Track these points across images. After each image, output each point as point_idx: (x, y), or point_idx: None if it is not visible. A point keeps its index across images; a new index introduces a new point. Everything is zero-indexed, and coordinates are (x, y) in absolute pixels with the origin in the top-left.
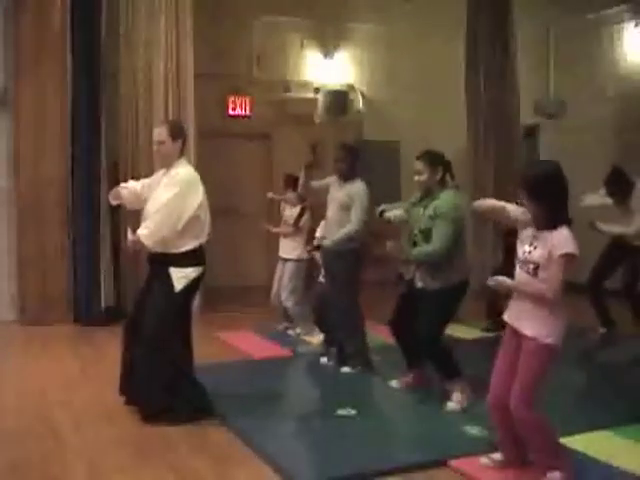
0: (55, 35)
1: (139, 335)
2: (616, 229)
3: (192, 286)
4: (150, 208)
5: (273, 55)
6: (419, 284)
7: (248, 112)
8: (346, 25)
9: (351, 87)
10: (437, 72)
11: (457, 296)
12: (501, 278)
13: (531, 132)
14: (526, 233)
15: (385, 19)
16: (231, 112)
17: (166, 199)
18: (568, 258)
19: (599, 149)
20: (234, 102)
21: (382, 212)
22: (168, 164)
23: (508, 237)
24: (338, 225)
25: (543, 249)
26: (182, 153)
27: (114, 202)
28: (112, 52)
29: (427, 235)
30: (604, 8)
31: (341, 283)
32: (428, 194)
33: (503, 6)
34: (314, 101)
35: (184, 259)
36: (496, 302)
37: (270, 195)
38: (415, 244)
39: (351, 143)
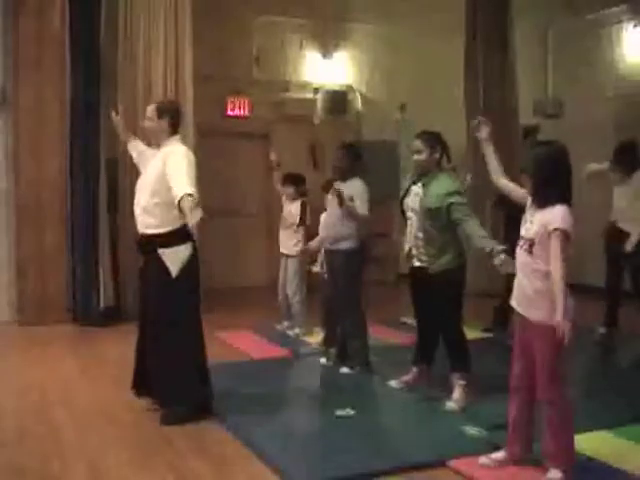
0: (55, 35)
1: (148, 331)
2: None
3: (190, 269)
4: (149, 179)
5: (272, 55)
6: (430, 271)
7: (247, 112)
8: (345, 25)
9: (350, 87)
10: (436, 72)
11: (464, 273)
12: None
13: (531, 132)
14: (527, 212)
15: (384, 19)
16: (230, 112)
17: (181, 165)
18: (560, 233)
19: (598, 149)
20: (233, 102)
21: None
22: (157, 140)
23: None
24: (339, 225)
25: (539, 226)
26: (174, 132)
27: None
28: (111, 53)
29: (435, 214)
30: (603, 8)
31: (342, 281)
32: (425, 173)
33: (502, 6)
34: (313, 101)
35: (172, 237)
36: (505, 304)
37: (273, 157)
38: (406, 218)
39: (351, 143)
